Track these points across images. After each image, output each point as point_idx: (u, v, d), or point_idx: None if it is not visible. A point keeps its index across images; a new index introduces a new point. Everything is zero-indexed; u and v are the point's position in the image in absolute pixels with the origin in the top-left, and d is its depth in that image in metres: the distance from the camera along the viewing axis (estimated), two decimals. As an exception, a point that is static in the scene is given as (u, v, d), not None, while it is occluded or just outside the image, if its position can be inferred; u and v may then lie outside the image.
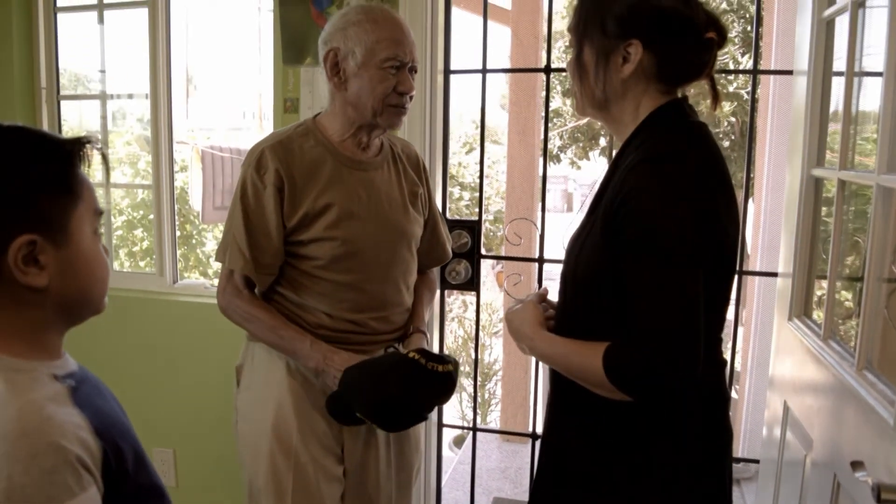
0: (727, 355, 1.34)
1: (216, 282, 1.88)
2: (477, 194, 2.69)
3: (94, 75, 2.90)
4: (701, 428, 1.18)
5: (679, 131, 1.16)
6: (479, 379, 3.86)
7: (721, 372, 1.24)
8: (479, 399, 5.79)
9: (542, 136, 2.96)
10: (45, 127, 2.71)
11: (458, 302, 7.91)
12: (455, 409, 6.06)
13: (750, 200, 3.85)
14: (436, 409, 1.94)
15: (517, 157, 4.45)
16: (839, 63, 1.63)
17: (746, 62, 6.67)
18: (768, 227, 3.45)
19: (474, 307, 2.62)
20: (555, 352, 1.22)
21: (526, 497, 1.45)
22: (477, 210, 2.41)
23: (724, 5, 7.42)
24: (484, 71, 2.29)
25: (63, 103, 2.82)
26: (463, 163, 9.84)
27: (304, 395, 1.64)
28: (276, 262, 1.60)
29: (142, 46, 2.62)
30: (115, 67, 2.86)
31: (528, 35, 4.37)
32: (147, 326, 2.66)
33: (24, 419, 0.78)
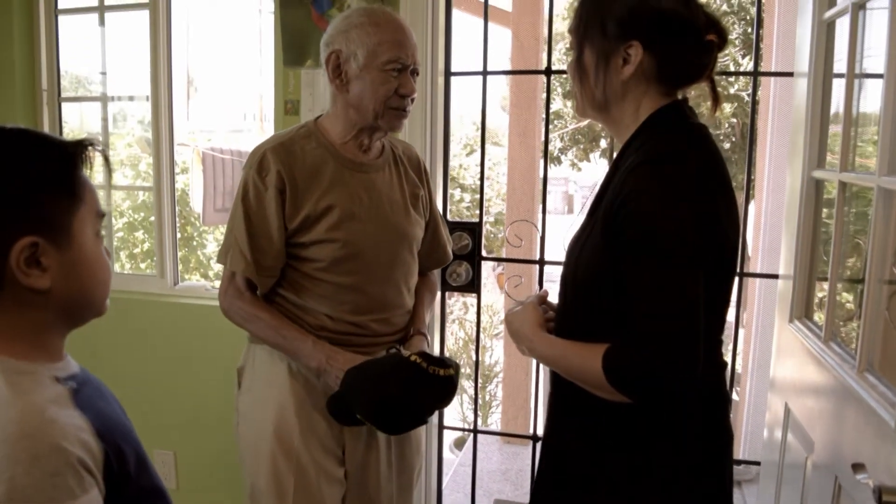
0: (728, 357, 1.33)
1: (217, 284, 1.88)
2: (478, 196, 2.69)
3: (95, 77, 2.90)
4: (701, 429, 1.18)
5: (679, 133, 1.16)
6: (479, 381, 3.85)
7: (721, 373, 1.24)
8: (479, 401, 5.78)
9: (542, 138, 2.97)
10: (46, 129, 2.71)
11: (458, 304, 7.91)
12: (456, 411, 6.06)
13: (751, 202, 3.85)
14: (436, 411, 1.94)
15: (518, 158, 4.45)
16: (840, 65, 1.63)
17: (747, 64, 6.68)
18: (769, 229, 3.45)
19: (475, 309, 2.63)
20: (554, 353, 1.22)
21: (527, 499, 1.45)
22: (478, 212, 2.41)
23: (724, 7, 7.43)
24: (484, 73, 2.29)
25: (64, 105, 2.83)
26: (464, 164, 9.85)
27: (306, 396, 1.64)
28: (278, 264, 1.61)
29: (143, 48, 2.62)
30: (116, 69, 2.86)
31: (528, 37, 4.37)
32: (148, 328, 2.66)
33: (26, 421, 0.78)
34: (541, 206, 2.41)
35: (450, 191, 2.44)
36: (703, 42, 1.16)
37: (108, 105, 2.83)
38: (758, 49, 2.22)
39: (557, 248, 1.72)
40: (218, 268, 4.91)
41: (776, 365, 1.90)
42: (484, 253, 2.37)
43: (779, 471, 1.79)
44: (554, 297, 1.33)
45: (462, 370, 1.72)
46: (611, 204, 1.11)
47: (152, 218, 2.81)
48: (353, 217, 1.60)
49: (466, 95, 3.13)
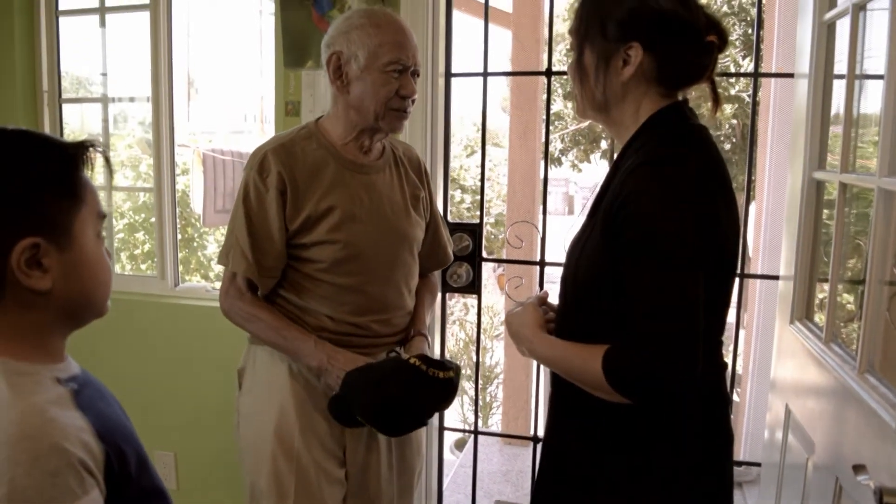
0: (728, 358, 1.34)
1: (217, 285, 1.88)
2: (478, 197, 2.69)
3: (95, 78, 2.91)
4: (701, 429, 1.18)
5: (679, 134, 1.16)
6: (480, 382, 3.85)
7: (721, 374, 1.24)
8: (480, 402, 5.78)
9: (543, 139, 2.97)
10: (47, 130, 2.71)
11: (459, 305, 7.91)
12: (456, 413, 6.06)
13: (751, 203, 3.85)
14: (437, 413, 1.94)
15: (518, 159, 4.45)
16: (840, 66, 1.63)
17: (747, 65, 6.68)
18: (770, 230, 3.44)
19: (475, 310, 2.63)
20: (554, 354, 1.22)
21: (527, 500, 1.45)
22: (478, 213, 2.41)
23: (724, 8, 7.44)
24: (485, 74, 2.29)
25: (65, 106, 2.83)
26: (464, 166, 9.86)
27: (307, 397, 1.64)
28: (279, 264, 1.61)
29: (143, 49, 2.62)
30: (116, 71, 2.86)
31: (529, 38, 4.37)
32: (148, 329, 2.66)
33: (27, 422, 0.78)
34: (541, 207, 2.42)
35: (450, 192, 2.44)
36: (704, 43, 1.16)
37: (109, 106, 2.83)
38: (758, 50, 2.23)
39: (558, 250, 1.73)
40: (218, 269, 4.91)
41: (777, 366, 1.90)
42: (484, 254, 2.37)
43: (779, 472, 1.79)
44: (554, 299, 1.33)
45: (462, 371, 1.72)
46: (611, 205, 1.11)
47: (153, 219, 2.81)
48: (354, 218, 1.60)
49: (467, 96, 3.13)
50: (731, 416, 1.34)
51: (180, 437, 2.66)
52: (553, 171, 10.94)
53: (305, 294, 1.62)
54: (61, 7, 2.72)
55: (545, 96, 4.37)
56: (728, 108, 7.22)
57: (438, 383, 1.53)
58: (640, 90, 1.18)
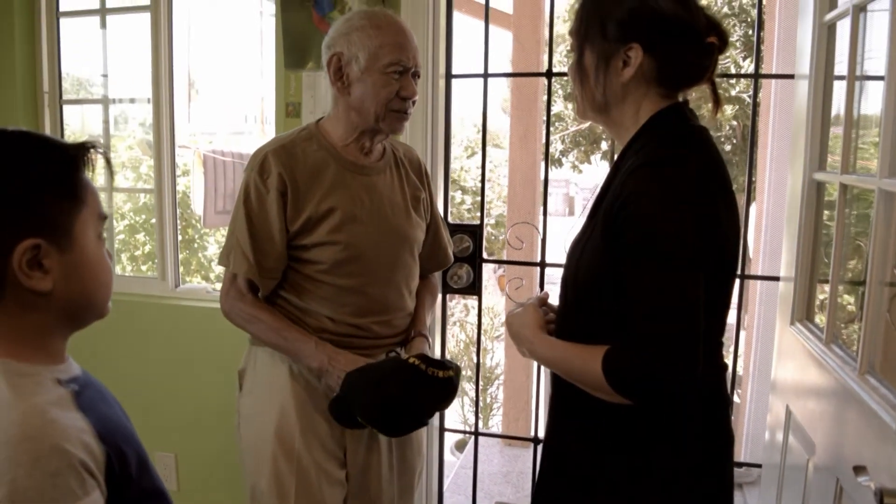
0: (729, 359, 1.34)
1: (218, 286, 1.88)
2: (478, 198, 2.69)
3: (96, 80, 2.91)
4: (701, 429, 1.18)
5: (679, 135, 1.16)
6: (480, 383, 3.85)
7: (722, 375, 1.24)
8: (480, 403, 5.78)
9: (543, 140, 2.97)
10: (48, 131, 2.72)
11: (459, 306, 7.92)
12: (457, 414, 6.05)
13: (752, 204, 3.84)
14: (437, 413, 1.94)
15: (519, 160, 4.45)
16: (840, 67, 1.63)
17: (748, 66, 6.68)
18: (770, 232, 3.44)
19: (476, 311, 2.63)
20: (554, 355, 1.22)
21: (528, 502, 1.45)
22: (478, 214, 2.41)
23: (725, 9, 7.44)
24: (485, 75, 2.29)
25: (65, 107, 2.83)
26: (465, 167, 9.87)
27: (307, 398, 1.64)
28: (280, 265, 1.61)
29: (144, 51, 2.63)
30: (117, 72, 2.87)
31: (529, 39, 4.37)
32: (149, 330, 2.66)
33: (28, 423, 0.78)
34: (542, 209, 2.41)
35: (451, 193, 2.44)
36: (704, 44, 1.16)
37: (110, 107, 2.84)
38: (759, 51, 2.23)
39: (558, 251, 1.72)
40: (219, 270, 4.91)
41: (777, 367, 1.89)
42: (485, 255, 2.37)
43: (780, 473, 1.79)
44: (554, 300, 1.33)
45: (463, 372, 1.72)
46: (611, 206, 1.11)
47: (153, 220, 2.82)
48: (355, 219, 1.60)
49: (467, 98, 3.13)
50: (732, 418, 1.34)
51: (181, 439, 2.66)
52: (553, 173, 10.95)
53: (306, 295, 1.62)
54: (62, 8, 2.73)
55: (546, 97, 4.37)
56: (728, 109, 7.23)
57: (438, 383, 1.53)
58: (640, 91, 1.18)
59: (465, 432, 4.90)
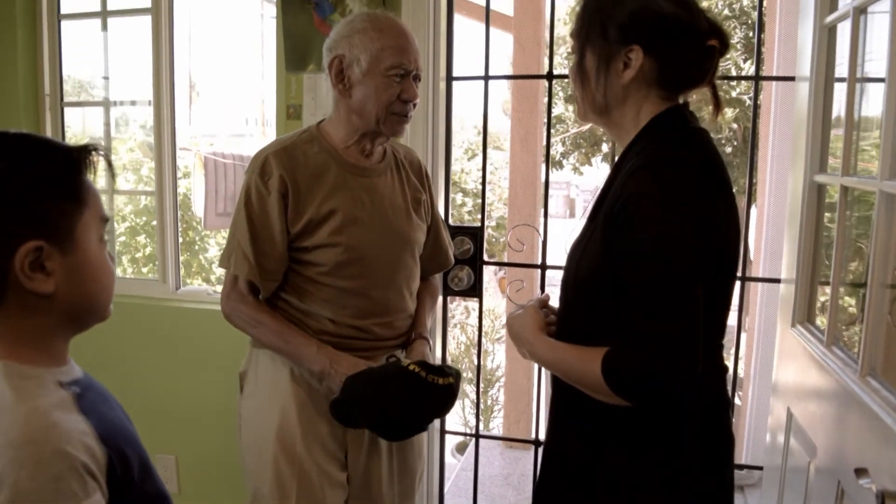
0: (730, 361, 1.33)
1: (219, 288, 1.88)
2: (479, 200, 2.69)
3: (97, 82, 2.91)
4: (701, 430, 1.18)
5: (680, 137, 1.16)
6: (481, 385, 3.85)
7: (722, 377, 1.24)
8: (481, 405, 5.78)
9: (544, 142, 2.97)
10: (49, 133, 2.72)
11: (460, 308, 7.91)
12: (458, 416, 6.04)
13: (753, 206, 3.84)
14: (437, 418, 1.93)
15: (519, 163, 4.46)
16: (841, 69, 1.63)
17: (749, 68, 6.67)
18: (771, 233, 3.44)
19: (477, 313, 2.62)
20: (555, 357, 1.22)
21: None
22: (479, 216, 2.41)
23: (725, 11, 7.44)
24: (486, 77, 2.29)
25: (66, 110, 2.84)
26: (465, 169, 9.87)
27: (308, 401, 1.64)
28: (281, 267, 1.61)
29: (145, 53, 2.63)
30: (118, 74, 2.87)
31: (530, 41, 4.37)
32: (149, 332, 2.66)
33: (30, 426, 0.79)
34: (542, 211, 2.42)
35: (451, 195, 2.45)
36: (705, 47, 1.16)
37: (111, 110, 2.84)
38: (759, 53, 2.23)
39: (559, 252, 1.72)
40: (220, 272, 4.91)
41: (778, 369, 1.89)
42: (486, 257, 2.37)
43: (781, 475, 1.79)
44: (555, 301, 1.33)
45: (464, 375, 1.72)
46: (611, 208, 1.11)
47: (154, 222, 2.82)
48: (356, 221, 1.60)
49: (468, 100, 3.13)
50: (733, 420, 1.34)
51: (181, 441, 2.66)
52: (554, 175, 10.94)
53: (307, 297, 1.62)
54: (63, 11, 2.73)
55: (546, 99, 4.37)
56: (729, 112, 7.22)
57: (438, 390, 1.53)
58: (640, 93, 1.18)
59: (465, 434, 4.89)
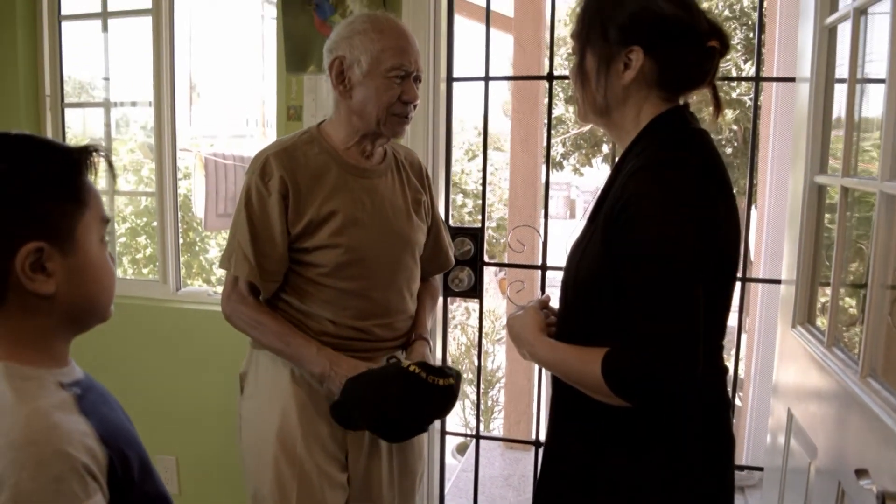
0: (730, 362, 1.33)
1: (219, 289, 1.88)
2: (480, 201, 2.69)
3: (98, 83, 2.91)
4: (701, 430, 1.18)
5: (680, 138, 1.17)
6: (482, 386, 3.84)
7: (722, 378, 1.24)
8: (481, 406, 5.78)
9: (544, 143, 2.97)
10: (49, 134, 2.72)
11: (460, 309, 7.91)
12: (458, 417, 6.04)
13: (753, 207, 3.84)
14: (437, 419, 1.93)
15: (520, 164, 4.46)
16: (841, 70, 1.63)
17: (749, 69, 6.67)
18: (772, 234, 3.44)
19: (477, 314, 2.62)
20: (555, 357, 1.22)
21: (529, 504, 1.44)
22: (480, 217, 2.41)
23: (726, 12, 7.44)
24: (486, 79, 2.29)
25: (67, 111, 2.84)
26: (466, 170, 9.87)
27: (309, 402, 1.64)
28: (281, 268, 1.61)
29: (145, 54, 2.63)
30: (118, 75, 2.87)
31: (530, 43, 4.37)
32: (150, 333, 2.66)
33: (31, 426, 0.79)
34: (543, 212, 2.42)
35: (452, 196, 2.45)
36: (705, 48, 1.16)
37: (111, 111, 2.84)
38: (759, 54, 2.23)
39: (560, 253, 1.72)
40: (220, 273, 4.91)
41: (779, 370, 1.89)
42: (486, 258, 2.37)
43: (782, 476, 1.79)
44: (555, 302, 1.33)
45: (464, 376, 1.72)
46: (611, 208, 1.11)
47: (155, 223, 2.82)
48: (356, 222, 1.60)
49: (468, 101, 3.13)
50: (734, 421, 1.34)
51: (182, 442, 2.66)
52: (554, 175, 10.94)
53: (308, 298, 1.62)
54: (64, 12, 2.73)
55: (547, 100, 4.37)
56: (729, 113, 7.22)
57: (438, 391, 1.53)
58: (641, 94, 1.18)
59: (466, 435, 4.89)
